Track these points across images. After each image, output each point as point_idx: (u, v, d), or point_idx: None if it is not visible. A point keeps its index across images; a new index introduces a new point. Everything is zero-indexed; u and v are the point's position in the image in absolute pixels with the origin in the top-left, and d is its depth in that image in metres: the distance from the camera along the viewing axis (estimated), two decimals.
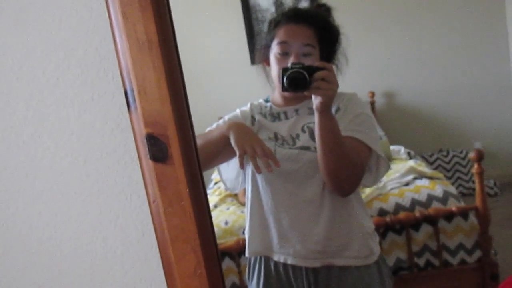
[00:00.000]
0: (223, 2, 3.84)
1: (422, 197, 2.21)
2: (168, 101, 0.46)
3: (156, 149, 0.48)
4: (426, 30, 3.69)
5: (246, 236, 1.30)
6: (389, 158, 2.80)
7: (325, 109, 1.05)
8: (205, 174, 0.58)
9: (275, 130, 1.24)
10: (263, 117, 1.28)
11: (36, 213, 0.64)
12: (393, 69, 3.80)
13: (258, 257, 1.29)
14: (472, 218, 2.14)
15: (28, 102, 0.61)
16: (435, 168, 3.51)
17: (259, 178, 1.24)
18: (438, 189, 2.24)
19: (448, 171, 3.67)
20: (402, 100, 3.86)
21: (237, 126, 1.15)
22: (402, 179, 2.38)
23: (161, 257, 0.53)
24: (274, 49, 1.20)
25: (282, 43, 1.18)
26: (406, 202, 2.20)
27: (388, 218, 2.09)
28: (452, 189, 2.28)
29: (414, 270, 2.14)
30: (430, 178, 2.40)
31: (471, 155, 2.10)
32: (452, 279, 2.16)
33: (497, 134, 3.75)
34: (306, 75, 1.03)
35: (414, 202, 2.19)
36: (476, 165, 2.09)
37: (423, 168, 2.55)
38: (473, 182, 3.48)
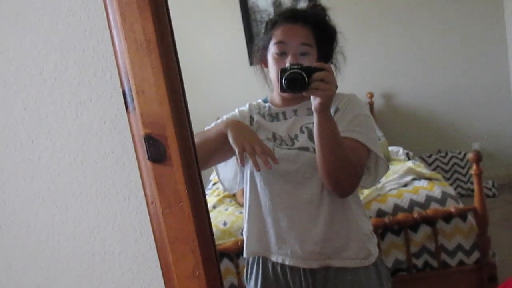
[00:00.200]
0: (221, 3, 3.84)
1: (421, 198, 2.21)
2: (167, 101, 0.46)
3: (155, 149, 0.48)
4: (425, 31, 3.70)
5: (244, 236, 1.30)
6: (388, 159, 2.80)
7: (323, 110, 1.05)
8: (203, 174, 0.58)
9: (273, 130, 1.24)
10: (261, 117, 1.28)
11: (34, 214, 0.63)
12: (392, 70, 3.80)
13: (256, 258, 1.29)
14: (471, 219, 2.14)
15: (25, 102, 0.61)
16: (434, 169, 3.52)
17: (257, 178, 1.23)
18: (436, 190, 2.24)
19: (447, 172, 3.68)
20: (400, 101, 3.87)
21: (235, 123, 1.15)
22: (400, 180, 2.38)
23: (159, 258, 0.53)
24: (272, 49, 1.20)
25: (279, 43, 1.18)
26: (404, 203, 2.20)
27: (386, 219, 2.09)
28: (451, 190, 2.28)
29: (412, 271, 2.14)
30: (429, 179, 2.40)
31: (470, 156, 2.10)
32: (450, 280, 2.16)
33: (495, 135, 3.75)
34: (305, 76, 1.03)
35: (413, 203, 2.19)
36: (474, 166, 2.10)
37: (422, 169, 2.55)
38: (472, 183, 3.50)
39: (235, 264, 2.09)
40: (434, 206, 2.16)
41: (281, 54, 1.18)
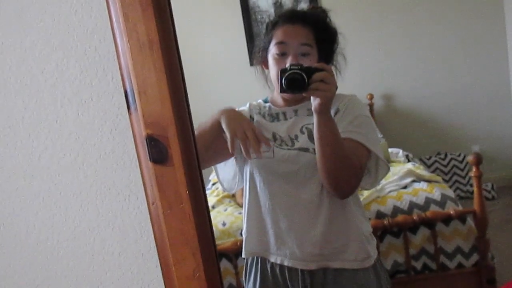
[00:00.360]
0: (222, 3, 3.84)
1: (420, 200, 2.21)
2: (169, 102, 0.46)
3: (156, 150, 0.48)
4: (425, 32, 3.70)
5: (243, 237, 1.30)
6: (388, 161, 2.79)
7: (323, 111, 1.04)
8: (203, 174, 0.58)
9: (273, 131, 1.24)
10: (261, 117, 1.28)
11: (34, 214, 0.63)
12: (392, 72, 3.80)
13: (255, 258, 1.29)
14: (470, 221, 2.14)
15: (26, 101, 0.60)
16: (433, 171, 3.52)
17: (257, 179, 1.23)
18: (436, 192, 2.24)
19: (446, 174, 3.68)
20: (400, 103, 3.87)
21: (228, 111, 1.15)
22: (400, 182, 2.38)
23: (160, 259, 0.52)
24: (272, 50, 1.20)
25: (279, 44, 1.18)
26: (404, 205, 2.20)
27: (386, 221, 2.09)
28: (450, 193, 2.28)
29: (411, 273, 2.14)
30: (428, 181, 2.40)
31: (470, 158, 2.10)
32: (449, 283, 2.16)
33: (494, 138, 3.76)
34: (305, 76, 1.03)
35: (412, 205, 2.19)
36: (474, 169, 2.10)
37: (421, 171, 2.55)
38: (471, 185, 3.50)
39: (234, 264, 2.09)
40: (433, 208, 2.16)
41: (282, 55, 1.18)
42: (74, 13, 0.56)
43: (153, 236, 0.53)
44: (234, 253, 2.06)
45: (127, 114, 0.53)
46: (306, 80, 1.02)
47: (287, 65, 1.09)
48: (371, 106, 3.71)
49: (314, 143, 1.12)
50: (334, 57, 1.26)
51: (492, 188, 3.55)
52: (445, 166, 3.70)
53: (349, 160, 1.10)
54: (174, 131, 0.46)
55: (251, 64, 3.67)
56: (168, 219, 0.49)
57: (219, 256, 2.03)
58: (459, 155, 3.69)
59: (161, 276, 0.53)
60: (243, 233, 1.31)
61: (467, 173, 3.61)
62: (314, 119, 1.07)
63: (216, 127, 1.14)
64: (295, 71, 1.04)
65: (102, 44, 0.55)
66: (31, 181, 0.62)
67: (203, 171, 0.57)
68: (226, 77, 3.78)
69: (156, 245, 0.52)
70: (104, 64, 0.56)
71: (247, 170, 1.25)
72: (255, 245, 1.27)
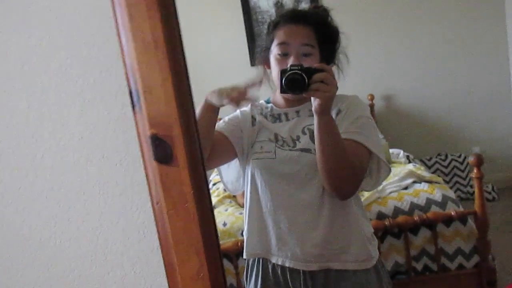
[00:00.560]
0: (223, 3, 3.84)
1: (421, 201, 2.21)
2: (174, 102, 0.46)
3: (161, 150, 0.48)
4: (426, 33, 3.70)
5: (245, 237, 1.30)
6: (389, 162, 2.79)
7: (323, 111, 1.04)
8: None
9: (275, 131, 1.24)
10: (263, 117, 1.28)
11: (37, 213, 0.63)
12: (393, 72, 3.80)
13: (256, 259, 1.29)
14: (471, 223, 2.14)
15: (29, 101, 0.60)
16: (433, 172, 3.52)
17: (258, 179, 1.23)
18: (437, 193, 2.24)
19: (446, 175, 3.68)
20: (401, 103, 3.87)
21: (212, 89, 1.15)
22: (401, 183, 2.38)
23: (164, 259, 0.52)
24: (274, 51, 1.20)
25: (281, 44, 1.18)
26: (405, 206, 2.20)
27: (386, 222, 2.09)
28: (451, 194, 2.28)
29: (411, 274, 2.14)
30: (429, 182, 2.39)
31: (471, 159, 2.10)
32: (449, 284, 2.16)
33: (495, 139, 3.76)
34: (305, 77, 1.03)
35: (413, 206, 2.19)
36: (475, 170, 2.09)
37: (422, 172, 2.55)
38: (471, 186, 3.50)
39: (234, 264, 2.09)
40: (434, 209, 2.16)
41: (284, 55, 1.18)
42: (78, 13, 0.56)
43: (156, 235, 0.53)
44: (234, 253, 2.06)
45: (131, 113, 0.53)
46: (306, 81, 1.03)
47: (288, 65, 1.09)
48: (371, 106, 3.70)
49: None
50: (336, 56, 1.26)
51: (493, 189, 3.55)
52: (446, 167, 3.70)
53: (350, 161, 1.09)
54: (178, 131, 0.46)
55: (252, 64, 3.68)
56: (173, 218, 0.49)
57: None
58: (460, 156, 3.69)
59: (165, 276, 0.53)
60: (244, 234, 1.31)
61: (467, 174, 3.61)
62: (315, 119, 1.07)
63: (209, 109, 1.13)
64: (295, 71, 1.04)
65: (106, 44, 0.55)
66: (35, 180, 0.62)
67: None
68: (227, 77, 3.75)
69: (160, 244, 0.52)
70: (107, 63, 0.56)
71: (248, 170, 1.25)
72: (256, 246, 1.27)
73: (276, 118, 1.27)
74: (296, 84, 1.04)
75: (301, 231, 1.20)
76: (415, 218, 2.10)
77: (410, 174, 2.45)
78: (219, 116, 1.16)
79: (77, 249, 0.63)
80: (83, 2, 0.55)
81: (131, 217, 0.59)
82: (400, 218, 2.11)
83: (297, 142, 1.20)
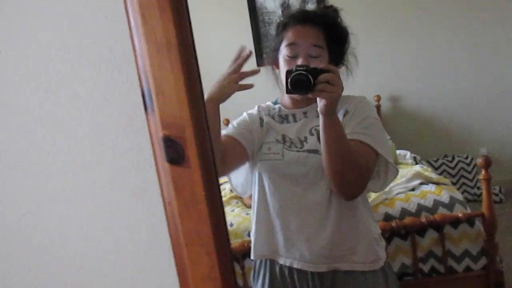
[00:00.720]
0: (229, 4, 3.85)
1: (428, 202, 2.20)
2: (186, 103, 0.46)
3: (173, 151, 0.48)
4: (433, 34, 3.68)
5: (252, 239, 1.30)
6: (396, 163, 2.79)
7: (329, 112, 1.05)
8: None
9: (283, 132, 1.24)
10: (271, 118, 1.28)
11: (48, 214, 0.63)
12: (399, 73, 3.79)
13: (264, 260, 1.29)
14: (478, 224, 2.13)
15: (41, 102, 0.61)
16: (440, 174, 3.50)
17: (265, 181, 1.23)
18: (444, 195, 2.23)
19: (453, 176, 3.66)
20: (407, 104, 3.86)
21: (210, 89, 1.15)
22: (408, 184, 2.37)
23: (175, 260, 0.52)
24: (283, 52, 1.20)
25: (290, 45, 1.18)
26: (412, 207, 2.19)
27: (393, 223, 2.08)
28: (459, 195, 2.27)
29: (418, 276, 2.13)
30: (437, 183, 2.38)
31: (479, 161, 2.08)
32: (456, 286, 2.15)
33: (502, 140, 3.73)
34: (310, 77, 1.03)
35: (420, 208, 2.18)
36: (483, 172, 2.08)
37: (430, 173, 2.54)
38: (478, 188, 3.48)
39: (241, 265, 2.09)
40: (441, 211, 2.15)
41: (292, 57, 1.18)
42: (91, 14, 0.56)
43: (168, 236, 0.54)
44: (241, 254, 2.07)
45: (143, 114, 0.53)
46: (312, 81, 1.03)
47: (294, 66, 1.10)
48: (378, 107, 3.70)
49: None
50: (345, 57, 1.26)
51: (500, 191, 3.53)
52: (453, 168, 3.69)
53: (355, 161, 1.09)
54: (190, 132, 0.46)
55: (258, 64, 3.68)
56: (184, 219, 0.49)
57: None
58: (467, 157, 3.68)
59: (176, 277, 0.53)
60: (251, 235, 1.31)
61: (474, 176, 3.59)
62: (320, 120, 1.07)
63: (213, 106, 1.12)
64: (301, 72, 1.04)
65: (118, 45, 0.55)
66: (46, 181, 0.62)
67: None
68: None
69: (172, 245, 0.53)
70: (119, 65, 0.56)
71: (255, 172, 1.25)
72: (264, 247, 1.27)
73: (284, 119, 1.27)
74: (301, 84, 1.04)
75: (309, 232, 1.20)
76: (422, 220, 2.09)
77: (417, 175, 2.44)
78: (224, 116, 1.16)
79: (88, 249, 0.64)
80: (96, 3, 0.56)
81: (142, 217, 0.59)
82: (407, 220, 2.10)
83: (304, 143, 1.20)
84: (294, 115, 1.26)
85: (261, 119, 1.28)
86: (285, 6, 3.67)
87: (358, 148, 1.12)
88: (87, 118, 0.59)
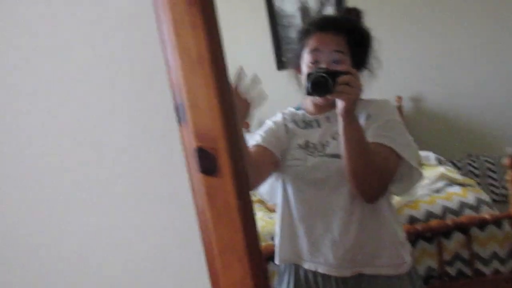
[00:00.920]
0: (248, 8, 3.87)
1: (454, 204, 2.17)
2: (218, 115, 0.48)
3: (206, 162, 0.49)
4: (455, 33, 3.63)
5: (277, 243, 1.31)
6: (419, 164, 2.75)
7: (348, 113, 1.05)
8: None
9: (306, 138, 1.25)
10: (295, 124, 1.29)
11: (83, 223, 0.65)
12: (420, 73, 3.74)
13: (288, 265, 1.30)
14: (506, 226, 2.08)
15: (77, 115, 0.63)
16: (465, 174, 3.44)
17: (289, 186, 1.24)
18: (470, 196, 2.19)
19: (478, 177, 3.59)
20: (429, 105, 3.80)
21: None
22: (432, 186, 2.34)
23: (208, 268, 0.54)
24: (305, 58, 1.21)
25: (312, 52, 1.19)
26: (437, 210, 2.16)
27: (418, 226, 2.06)
28: (485, 196, 2.23)
29: (445, 279, 2.10)
30: (462, 185, 2.35)
31: (505, 161, 2.05)
32: None
33: None
34: (329, 79, 1.05)
35: (446, 210, 2.15)
36: (510, 172, 2.04)
37: (454, 174, 2.50)
38: (505, 188, 3.39)
39: (265, 272, 2.10)
40: (467, 212, 2.12)
41: (315, 63, 1.18)
42: (124, 29, 0.58)
43: (200, 244, 0.55)
44: (265, 258, 2.07)
45: (175, 126, 0.55)
46: (331, 83, 1.04)
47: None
48: (399, 108, 3.66)
49: None
50: (368, 61, 1.26)
51: None
52: (478, 168, 3.62)
53: (376, 164, 1.09)
54: (223, 143, 0.48)
55: (278, 68, 3.69)
56: (217, 228, 0.50)
57: None
58: (492, 157, 3.60)
59: (209, 284, 0.54)
60: (276, 240, 1.32)
61: (501, 176, 3.51)
62: (339, 122, 1.08)
63: None
64: (320, 74, 1.06)
65: (150, 59, 0.57)
66: (81, 191, 0.64)
67: None
68: None
69: (205, 253, 0.54)
70: (151, 79, 0.58)
71: (280, 178, 1.26)
72: (288, 252, 1.27)
73: (307, 124, 1.27)
74: (320, 86, 1.06)
75: (333, 237, 1.20)
76: (448, 222, 2.06)
77: (442, 177, 2.41)
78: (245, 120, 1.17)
79: (121, 258, 0.66)
80: (129, 19, 0.58)
81: (174, 226, 0.60)
82: (433, 222, 2.08)
83: (326, 147, 1.21)
84: (317, 121, 1.27)
85: (286, 126, 1.29)
86: (303, 10, 3.67)
87: (380, 151, 1.12)
88: (122, 130, 0.61)
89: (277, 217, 1.31)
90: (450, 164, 3.11)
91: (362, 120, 1.17)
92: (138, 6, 0.56)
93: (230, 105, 0.49)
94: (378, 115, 1.20)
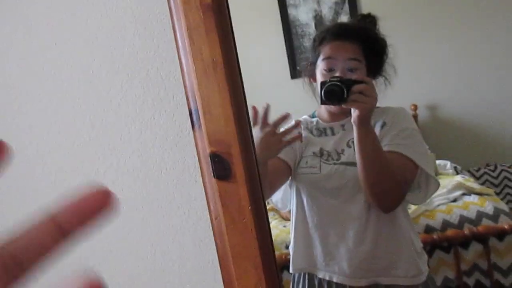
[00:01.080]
0: (262, 16, 3.89)
1: (471, 214, 2.13)
2: (232, 121, 0.48)
3: (220, 167, 0.49)
4: (471, 39, 3.59)
5: (291, 252, 1.30)
6: (435, 173, 2.72)
7: (362, 122, 1.04)
8: None
9: (320, 146, 1.24)
10: (309, 132, 1.28)
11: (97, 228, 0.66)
12: (436, 81, 3.70)
13: (302, 274, 1.28)
14: None
15: (93, 121, 0.64)
16: (482, 183, 3.38)
17: (303, 194, 1.23)
18: (488, 206, 2.15)
19: (497, 186, 3.53)
20: (445, 113, 3.76)
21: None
22: (449, 195, 2.30)
23: (222, 273, 0.54)
24: (320, 66, 1.20)
25: (327, 59, 1.18)
26: (454, 219, 2.13)
27: (435, 235, 2.03)
28: (503, 206, 2.19)
29: None
30: (479, 194, 2.31)
31: None
32: None
33: None
34: (344, 88, 1.04)
35: (463, 219, 2.11)
36: None
37: (472, 183, 2.46)
38: None
39: (279, 278, 2.09)
40: (485, 222, 2.08)
41: (329, 71, 1.18)
42: (139, 36, 0.59)
43: (214, 249, 0.55)
44: (279, 267, 2.06)
45: (188, 131, 0.55)
46: (345, 92, 1.03)
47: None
48: (415, 117, 3.62)
49: None
50: (383, 68, 1.25)
51: None
52: (495, 178, 3.55)
53: (392, 173, 1.08)
54: (237, 149, 0.48)
55: (292, 77, 3.69)
56: (231, 233, 0.50)
57: None
58: (510, 166, 3.54)
59: None
60: (290, 248, 1.31)
61: None
62: (354, 131, 1.07)
63: (260, 168, 1.10)
64: (334, 82, 1.05)
65: (164, 66, 0.58)
66: None
67: None
68: (267, 90, 3.80)
69: (219, 258, 0.54)
70: (165, 84, 0.58)
71: (294, 186, 1.26)
72: (303, 260, 1.26)
73: (322, 132, 1.27)
74: (334, 95, 1.05)
75: (348, 246, 1.19)
76: (466, 232, 2.02)
77: (459, 186, 2.37)
78: None
79: (135, 262, 0.66)
80: (145, 25, 0.59)
81: (187, 231, 0.61)
82: (450, 232, 2.04)
83: (341, 155, 1.20)
84: (332, 128, 1.26)
85: (300, 134, 1.28)
86: (318, 18, 3.68)
87: (395, 160, 1.11)
88: (135, 135, 0.62)
89: (291, 225, 1.30)
90: (467, 173, 3.06)
91: (377, 129, 1.16)
92: (154, 12, 0.57)
93: (243, 110, 0.49)
94: (393, 123, 1.18)
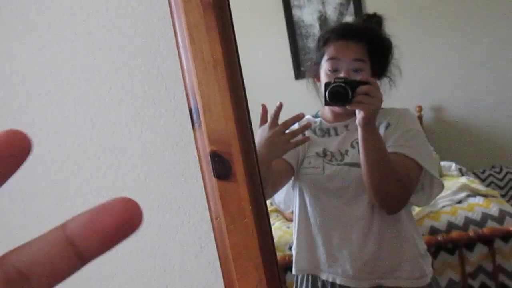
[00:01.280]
0: (267, 17, 3.88)
1: (476, 215, 2.12)
2: (233, 119, 0.47)
3: (220, 166, 0.49)
4: (477, 40, 3.57)
5: (293, 253, 1.29)
6: (440, 175, 2.70)
7: (367, 124, 1.03)
8: None
9: (324, 146, 1.23)
10: (312, 132, 1.27)
11: None
12: (441, 82, 3.68)
13: (305, 275, 1.28)
14: None
15: (93, 120, 0.64)
16: (488, 185, 3.36)
17: (306, 195, 1.23)
18: (493, 208, 2.14)
19: (502, 188, 3.50)
20: (451, 114, 3.74)
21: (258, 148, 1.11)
22: (454, 197, 2.29)
23: (223, 274, 0.53)
24: (324, 66, 1.20)
25: (331, 59, 1.18)
26: (459, 221, 2.11)
27: (440, 237, 2.01)
28: (509, 208, 2.18)
29: None
30: (485, 196, 2.30)
31: None
32: None
33: None
34: (348, 89, 1.03)
35: (468, 221, 2.10)
36: None
37: (477, 185, 2.45)
38: None
39: (282, 279, 2.08)
40: (491, 224, 2.07)
41: (334, 71, 1.17)
42: (139, 34, 0.59)
43: (215, 250, 0.54)
44: (282, 268, 2.05)
45: (189, 131, 0.54)
46: (350, 93, 1.03)
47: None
48: (420, 118, 3.60)
49: None
50: (388, 69, 1.24)
51: None
52: (500, 180, 3.53)
53: (396, 175, 1.07)
54: (237, 148, 0.47)
55: (296, 78, 3.68)
56: (232, 234, 0.49)
57: None
58: None
59: None
60: (292, 249, 1.30)
61: None
62: (359, 132, 1.06)
63: (264, 168, 1.08)
64: (339, 83, 1.04)
65: (165, 64, 0.57)
66: (97, 197, 0.65)
67: None
68: (271, 91, 3.80)
69: (219, 260, 0.53)
70: (166, 83, 0.58)
71: (296, 186, 1.25)
72: (305, 262, 1.25)
73: (325, 132, 1.26)
74: (339, 96, 1.04)
75: (351, 247, 1.18)
76: (470, 234, 2.01)
77: (464, 187, 2.36)
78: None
79: (135, 263, 0.65)
80: (144, 23, 0.58)
81: (188, 231, 0.60)
82: (454, 234, 2.03)
83: (345, 156, 1.19)
84: (335, 129, 1.25)
85: (303, 134, 1.28)
86: (322, 19, 3.67)
87: (400, 161, 1.10)
88: (136, 135, 0.61)
89: (294, 226, 1.29)
90: (472, 174, 3.04)
91: (381, 130, 1.15)
92: (154, 10, 0.56)
93: (244, 109, 0.49)
94: (398, 124, 1.18)
